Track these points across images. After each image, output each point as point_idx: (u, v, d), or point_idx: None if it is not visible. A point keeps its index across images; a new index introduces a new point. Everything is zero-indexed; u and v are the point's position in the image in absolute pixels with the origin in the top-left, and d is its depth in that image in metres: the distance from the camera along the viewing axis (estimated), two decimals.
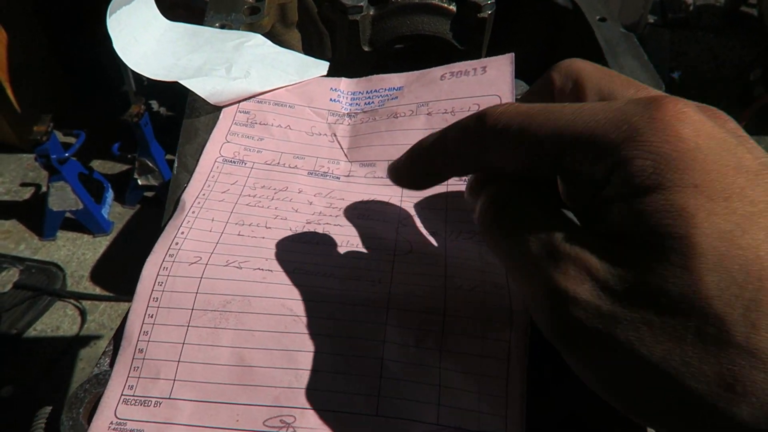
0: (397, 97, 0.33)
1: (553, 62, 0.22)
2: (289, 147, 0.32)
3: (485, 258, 0.26)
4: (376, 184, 0.30)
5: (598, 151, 0.16)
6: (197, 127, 0.32)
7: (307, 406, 0.21)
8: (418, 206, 0.29)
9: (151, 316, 0.23)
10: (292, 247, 0.26)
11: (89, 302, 1.44)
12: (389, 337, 0.23)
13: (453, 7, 0.41)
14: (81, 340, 1.36)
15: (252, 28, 0.38)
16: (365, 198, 0.29)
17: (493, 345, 0.23)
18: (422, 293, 0.24)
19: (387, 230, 0.27)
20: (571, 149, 0.17)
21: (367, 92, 0.34)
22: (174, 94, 1.68)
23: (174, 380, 0.22)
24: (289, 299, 0.24)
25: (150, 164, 1.56)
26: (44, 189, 1.59)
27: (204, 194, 0.29)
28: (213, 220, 0.27)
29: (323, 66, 0.36)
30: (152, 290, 0.24)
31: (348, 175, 0.31)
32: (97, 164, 1.75)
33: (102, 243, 1.58)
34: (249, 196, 0.29)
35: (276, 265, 0.25)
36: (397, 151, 0.31)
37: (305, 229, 0.27)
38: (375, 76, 0.35)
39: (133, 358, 0.23)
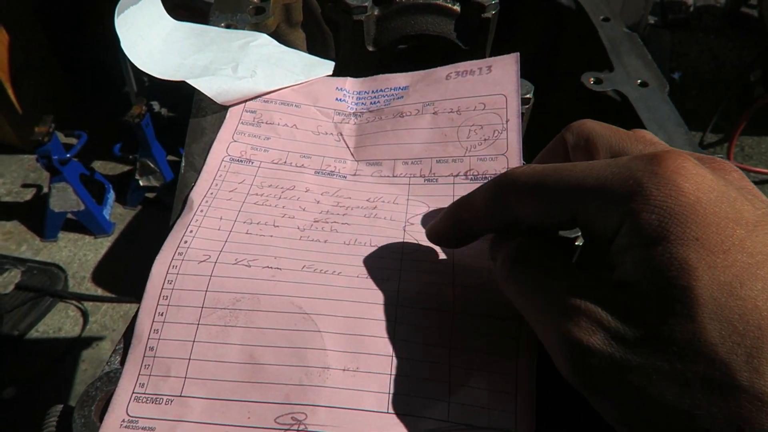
0: (402, 97, 0.33)
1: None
2: (296, 146, 0.32)
3: None
4: (382, 183, 0.30)
5: (608, 204, 0.17)
6: (204, 126, 0.33)
7: (318, 403, 0.21)
8: (425, 205, 0.29)
9: (161, 314, 0.24)
10: (301, 245, 0.27)
11: (91, 303, 1.44)
12: (399, 335, 0.23)
13: (457, 8, 0.41)
14: (83, 341, 1.36)
15: (257, 28, 0.38)
16: (372, 197, 0.29)
17: (502, 342, 0.23)
18: (430, 291, 0.24)
19: (395, 229, 0.27)
20: (584, 203, 0.18)
21: (372, 92, 0.34)
22: (175, 95, 1.68)
23: (185, 378, 0.22)
24: (299, 297, 0.24)
25: (151, 165, 1.56)
26: (45, 190, 1.59)
27: (212, 193, 0.29)
28: (221, 218, 0.27)
29: (329, 66, 0.36)
30: (162, 288, 0.24)
31: (354, 174, 0.31)
32: (98, 165, 1.75)
33: (103, 244, 1.58)
34: (256, 194, 0.29)
35: (285, 263, 0.25)
36: (403, 150, 0.31)
37: (313, 228, 0.28)
38: (380, 76, 0.35)
39: (143, 356, 0.23)
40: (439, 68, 0.33)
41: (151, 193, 1.66)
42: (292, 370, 0.22)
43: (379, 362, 0.22)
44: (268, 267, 0.25)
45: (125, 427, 0.21)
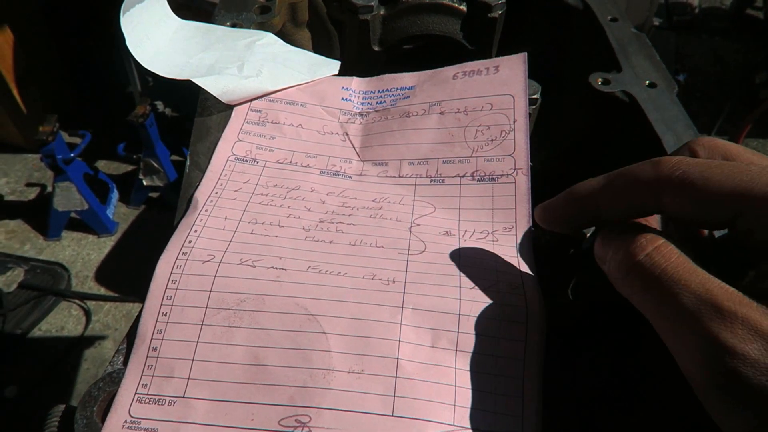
0: (408, 97, 0.33)
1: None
2: (301, 146, 0.32)
3: (499, 258, 0.25)
4: (388, 183, 0.30)
5: None
6: (209, 125, 0.32)
7: (323, 405, 0.21)
8: (432, 206, 0.28)
9: (165, 315, 0.23)
10: (306, 245, 0.26)
11: (94, 302, 1.44)
12: (404, 337, 0.23)
13: (463, 7, 0.41)
14: (86, 341, 1.36)
15: (263, 27, 0.38)
16: (378, 197, 0.29)
17: (508, 345, 0.22)
18: (437, 293, 0.24)
19: (400, 230, 0.27)
20: (753, 209, 0.17)
21: (378, 91, 0.34)
22: (179, 95, 1.68)
23: (188, 379, 0.22)
24: (303, 298, 0.24)
25: (155, 165, 1.56)
26: (49, 189, 1.60)
27: (217, 192, 0.29)
28: (226, 218, 0.27)
29: (335, 65, 0.36)
30: (166, 288, 0.24)
31: (360, 174, 0.31)
32: (102, 165, 1.76)
33: (107, 243, 1.58)
34: (261, 194, 0.29)
35: (290, 264, 0.25)
36: (409, 151, 0.31)
37: (318, 228, 0.27)
38: (386, 76, 0.34)
39: (146, 357, 0.22)
40: (445, 68, 0.33)
41: (154, 193, 1.66)
42: (297, 371, 0.22)
43: (384, 365, 0.22)
44: (272, 267, 0.25)
45: (127, 428, 0.21)
